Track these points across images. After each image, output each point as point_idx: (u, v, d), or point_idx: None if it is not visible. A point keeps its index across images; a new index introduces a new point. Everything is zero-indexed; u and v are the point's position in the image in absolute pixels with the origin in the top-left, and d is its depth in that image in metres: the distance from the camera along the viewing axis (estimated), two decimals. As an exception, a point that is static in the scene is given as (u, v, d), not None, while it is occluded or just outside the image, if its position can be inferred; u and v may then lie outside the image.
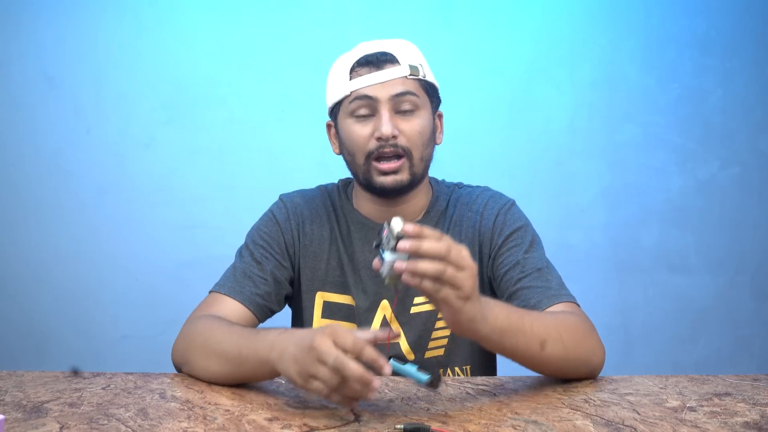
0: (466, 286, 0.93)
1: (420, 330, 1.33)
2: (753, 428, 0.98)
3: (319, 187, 1.43)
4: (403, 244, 0.93)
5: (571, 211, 2.58)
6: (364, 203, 1.36)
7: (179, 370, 1.22)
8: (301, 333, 0.99)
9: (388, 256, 0.95)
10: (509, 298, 1.26)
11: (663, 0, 2.62)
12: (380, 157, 1.26)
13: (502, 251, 1.31)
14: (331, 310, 1.34)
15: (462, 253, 0.93)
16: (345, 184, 1.42)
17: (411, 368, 1.02)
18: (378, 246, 0.98)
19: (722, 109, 2.65)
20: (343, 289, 1.34)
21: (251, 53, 2.49)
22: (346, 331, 0.93)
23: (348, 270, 1.34)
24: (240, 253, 1.34)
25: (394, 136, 1.25)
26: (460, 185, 1.42)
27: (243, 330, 1.14)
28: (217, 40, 2.48)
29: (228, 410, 1.02)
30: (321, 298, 1.35)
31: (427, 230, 0.93)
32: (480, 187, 1.42)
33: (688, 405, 1.07)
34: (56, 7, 2.43)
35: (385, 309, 1.33)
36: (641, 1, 2.62)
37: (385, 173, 1.27)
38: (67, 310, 2.44)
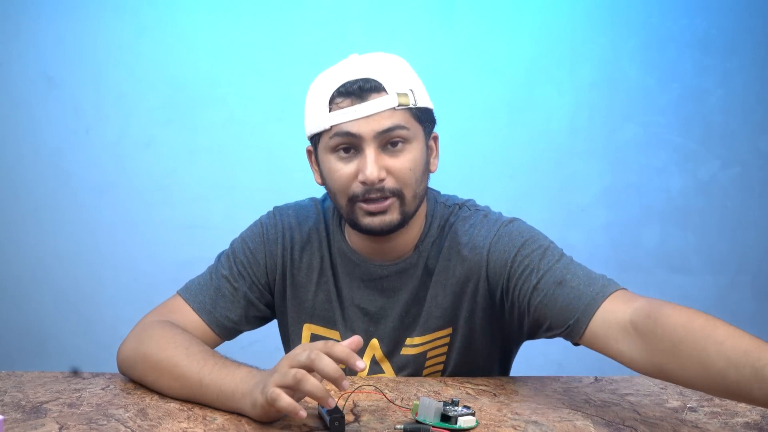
0: None
1: (411, 370, 1.24)
2: (753, 429, 0.98)
3: (314, 202, 1.30)
4: None
5: (572, 211, 2.58)
6: (353, 234, 1.23)
7: (124, 373, 1.16)
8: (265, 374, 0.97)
9: None
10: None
11: (663, 0, 2.62)
12: (366, 199, 1.13)
13: (519, 283, 1.14)
14: None
15: None
16: None
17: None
18: None
19: (722, 109, 2.65)
20: (331, 324, 1.25)
21: (251, 53, 2.48)
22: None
23: (336, 305, 1.24)
24: (219, 263, 1.26)
25: (381, 179, 1.11)
26: (461, 205, 1.25)
27: (205, 355, 1.06)
28: (217, 40, 2.48)
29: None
30: (308, 330, 1.26)
31: None
32: (477, 216, 1.22)
33: (688, 405, 1.07)
34: (56, 7, 2.43)
35: (374, 348, 1.24)
36: (641, 1, 2.61)
37: (372, 214, 1.13)
38: (66, 310, 2.44)
